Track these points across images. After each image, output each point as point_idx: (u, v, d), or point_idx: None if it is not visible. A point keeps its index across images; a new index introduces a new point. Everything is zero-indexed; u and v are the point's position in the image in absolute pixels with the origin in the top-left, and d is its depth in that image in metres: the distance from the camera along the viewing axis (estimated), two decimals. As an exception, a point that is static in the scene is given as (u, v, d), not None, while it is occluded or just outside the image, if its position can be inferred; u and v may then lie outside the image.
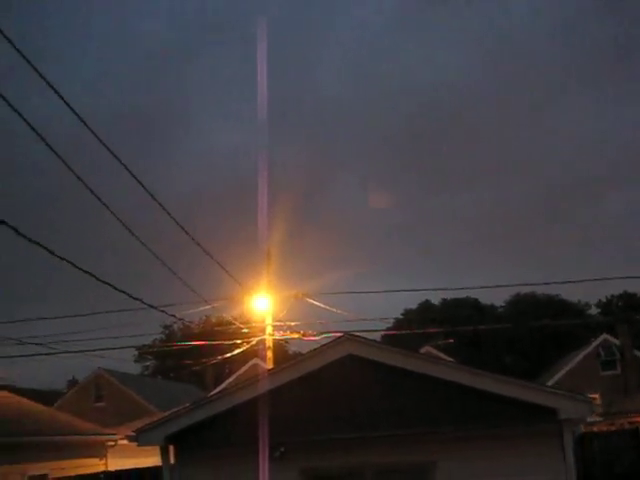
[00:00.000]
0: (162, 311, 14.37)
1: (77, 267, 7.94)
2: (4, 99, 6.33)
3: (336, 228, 75.67)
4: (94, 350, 20.02)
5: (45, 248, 7.19)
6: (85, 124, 7.56)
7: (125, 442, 19.69)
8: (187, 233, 11.35)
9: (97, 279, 8.69)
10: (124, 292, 10.20)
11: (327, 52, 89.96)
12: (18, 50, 6.33)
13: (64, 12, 76.99)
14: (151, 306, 12.85)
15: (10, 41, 6.14)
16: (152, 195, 9.49)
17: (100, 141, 7.89)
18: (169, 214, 10.03)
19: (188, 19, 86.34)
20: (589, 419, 13.24)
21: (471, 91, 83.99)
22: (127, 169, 8.52)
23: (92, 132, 7.74)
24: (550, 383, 39.35)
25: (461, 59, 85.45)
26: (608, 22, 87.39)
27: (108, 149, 8.09)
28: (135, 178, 8.73)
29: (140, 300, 11.57)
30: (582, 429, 19.48)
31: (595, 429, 21.79)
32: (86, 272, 8.25)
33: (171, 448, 11.14)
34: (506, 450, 9.95)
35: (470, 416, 9.96)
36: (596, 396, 33.94)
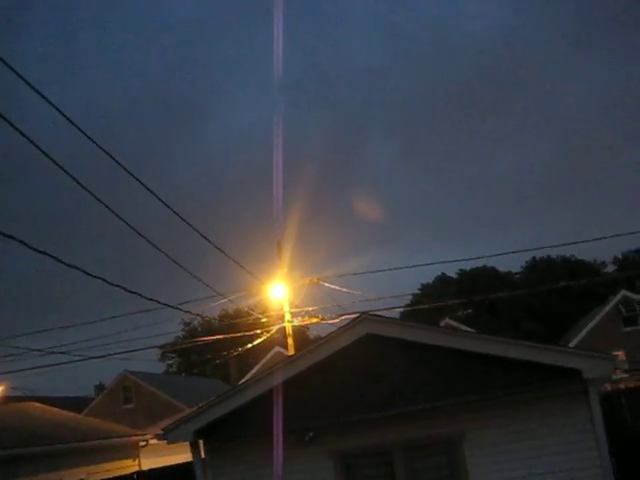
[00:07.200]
0: (177, 308, 14.43)
1: (87, 273, 7.97)
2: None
3: (354, 207, 74.99)
4: (117, 353, 20.13)
5: (53, 257, 7.20)
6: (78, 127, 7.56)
7: (156, 441, 19.84)
8: (194, 228, 11.37)
9: (108, 283, 8.72)
10: (136, 293, 10.23)
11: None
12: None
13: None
14: (165, 304, 12.92)
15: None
16: (155, 194, 9.48)
17: (96, 144, 7.88)
18: (175, 212, 10.04)
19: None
20: (615, 377, 13.18)
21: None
22: (124, 167, 8.51)
23: (86, 134, 7.74)
24: (573, 344, 39.27)
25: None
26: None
27: (105, 151, 8.08)
28: (132, 175, 8.71)
29: (155, 300, 11.64)
30: (609, 387, 19.44)
31: (622, 386, 21.72)
32: (97, 277, 8.28)
33: (201, 443, 11.22)
34: (533, 414, 10.00)
35: (494, 384, 9.95)
36: (620, 353, 33.88)
